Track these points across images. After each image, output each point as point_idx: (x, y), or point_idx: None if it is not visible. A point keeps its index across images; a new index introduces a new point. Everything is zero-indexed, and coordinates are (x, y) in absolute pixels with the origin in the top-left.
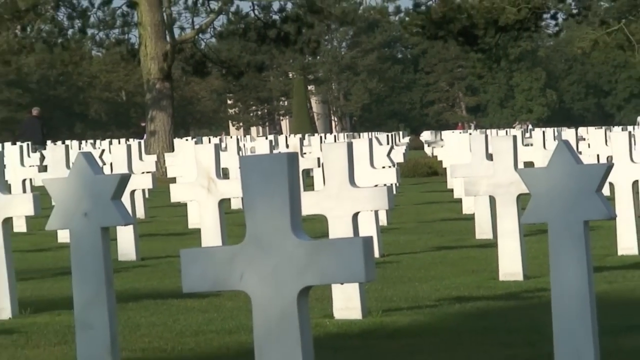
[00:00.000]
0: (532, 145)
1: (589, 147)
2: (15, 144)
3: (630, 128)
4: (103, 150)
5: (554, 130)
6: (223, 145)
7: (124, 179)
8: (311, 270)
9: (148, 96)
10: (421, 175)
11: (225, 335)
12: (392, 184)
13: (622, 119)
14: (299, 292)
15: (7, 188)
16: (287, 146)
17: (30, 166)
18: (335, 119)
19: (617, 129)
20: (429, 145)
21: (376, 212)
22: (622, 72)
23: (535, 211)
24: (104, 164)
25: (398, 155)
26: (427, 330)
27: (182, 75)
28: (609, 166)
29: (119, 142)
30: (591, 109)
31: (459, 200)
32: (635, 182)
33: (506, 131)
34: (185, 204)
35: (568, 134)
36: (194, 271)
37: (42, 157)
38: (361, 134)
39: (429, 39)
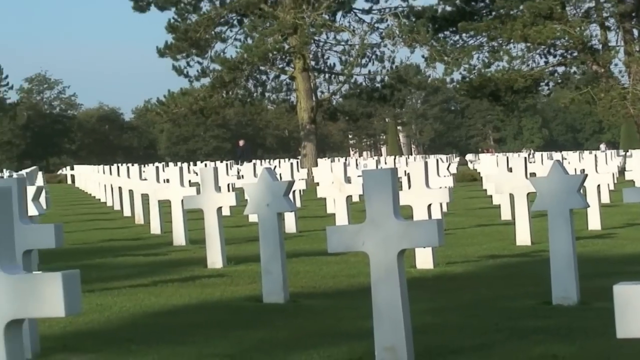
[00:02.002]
0: (534, 162)
1: (569, 164)
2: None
3: (594, 152)
4: (275, 166)
5: (547, 154)
6: (347, 163)
7: (291, 184)
8: (405, 239)
9: (302, 133)
10: (466, 180)
11: (351, 278)
12: (449, 187)
13: (588, 147)
14: (398, 252)
15: (218, 189)
16: (386, 163)
17: (232, 175)
18: (414, 147)
19: (586, 153)
20: (470, 162)
21: (441, 204)
22: (588, 117)
23: (539, 203)
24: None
25: (453, 168)
26: (473, 275)
27: (322, 120)
28: (584, 176)
29: (285, 161)
30: (569, 141)
31: (490, 196)
32: (599, 186)
33: (518, 154)
34: (325, 198)
35: (556, 156)
36: (334, 239)
37: (239, 170)
38: (430, 156)
39: (470, 98)
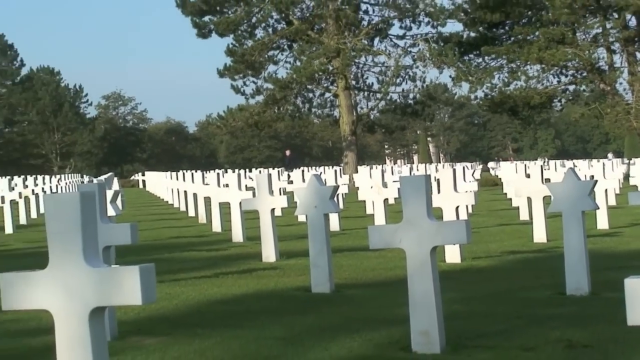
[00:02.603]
0: (549, 169)
1: (579, 171)
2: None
3: (602, 160)
4: (321, 173)
5: (560, 162)
6: (384, 170)
7: (335, 188)
8: (438, 237)
9: (344, 144)
10: (488, 185)
11: (389, 271)
12: (474, 191)
13: (596, 156)
14: (431, 249)
15: (271, 192)
16: (418, 170)
17: (283, 181)
18: (442, 155)
19: (594, 161)
20: (492, 169)
21: (467, 206)
22: (596, 130)
23: (555, 205)
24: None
25: (477, 175)
26: (495, 268)
27: (361, 133)
28: (595, 182)
29: (329, 168)
30: (579, 150)
31: (510, 199)
32: (606, 190)
33: (534, 162)
34: (365, 201)
35: (568, 164)
36: (375, 237)
37: (289, 176)
38: (457, 163)
39: (492, 113)
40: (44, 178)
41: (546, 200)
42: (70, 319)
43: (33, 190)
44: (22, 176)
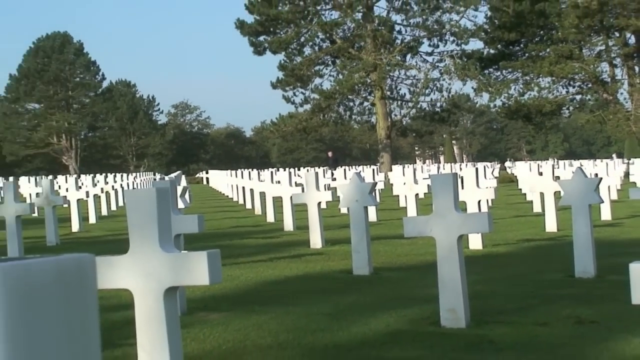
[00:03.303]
0: (558, 168)
1: (585, 169)
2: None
3: (605, 160)
4: (360, 171)
5: (568, 162)
6: (415, 168)
7: (374, 184)
8: (464, 227)
9: (380, 146)
10: (505, 182)
11: (420, 256)
12: (493, 187)
13: (600, 156)
14: (458, 237)
15: (318, 188)
16: (444, 169)
17: (327, 178)
18: (465, 156)
19: (599, 161)
20: (508, 168)
21: (487, 200)
22: (599, 134)
23: (565, 199)
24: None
25: (495, 172)
26: (512, 254)
27: (395, 136)
28: (600, 179)
29: (367, 167)
30: (585, 152)
31: (524, 194)
32: (609, 186)
33: (545, 162)
34: (398, 195)
35: (575, 164)
36: (409, 226)
37: (332, 174)
38: (478, 163)
39: (508, 119)
40: (122, 176)
41: (556, 195)
42: (147, 297)
43: (113, 186)
44: (104, 174)
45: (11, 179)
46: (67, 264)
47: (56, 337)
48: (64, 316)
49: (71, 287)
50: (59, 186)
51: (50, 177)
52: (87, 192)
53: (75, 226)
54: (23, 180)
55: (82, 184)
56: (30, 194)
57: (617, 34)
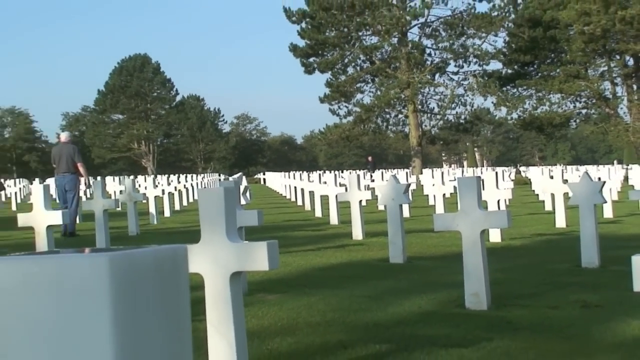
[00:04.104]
0: (567, 172)
1: (590, 174)
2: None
3: (607, 166)
4: (396, 174)
5: (575, 167)
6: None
7: (408, 185)
8: (486, 222)
9: (412, 152)
10: (520, 184)
11: (447, 247)
12: (510, 189)
13: (602, 162)
14: (481, 231)
15: (359, 188)
16: (467, 172)
17: (367, 180)
18: (485, 161)
19: (601, 167)
20: (523, 172)
21: (505, 199)
22: (602, 143)
23: (573, 200)
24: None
25: (512, 176)
26: (527, 246)
27: (425, 144)
28: (604, 183)
29: (401, 170)
30: (589, 158)
31: (537, 195)
32: (610, 188)
33: (555, 167)
34: (428, 195)
35: (581, 169)
36: (438, 222)
37: (371, 176)
38: (497, 167)
39: (523, 130)
40: (191, 176)
41: (565, 195)
42: (216, 280)
43: (184, 185)
44: (177, 175)
45: (99, 178)
46: (164, 254)
47: (156, 316)
48: (162, 299)
49: (167, 273)
50: (139, 185)
51: (131, 177)
52: (163, 190)
53: (152, 219)
54: (109, 179)
55: (159, 183)
56: (114, 191)
57: (617, 57)
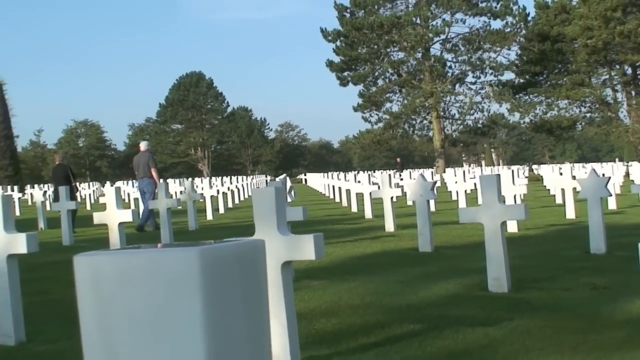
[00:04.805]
0: (574, 169)
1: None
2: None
3: (610, 163)
4: (422, 173)
5: (581, 165)
6: (463, 171)
7: (434, 183)
8: (505, 215)
9: (436, 154)
10: (532, 180)
11: (470, 237)
12: (525, 185)
13: (605, 160)
14: (501, 223)
15: (390, 186)
16: (485, 171)
17: (396, 178)
18: (501, 161)
19: (605, 164)
20: (535, 170)
21: (520, 195)
22: (604, 143)
23: (582, 194)
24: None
25: (525, 173)
26: (541, 236)
27: (447, 146)
28: (609, 178)
29: (426, 170)
30: (593, 157)
31: (548, 190)
32: (614, 183)
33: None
34: (451, 191)
35: (587, 166)
36: (463, 215)
37: (400, 175)
38: (512, 166)
39: (535, 132)
40: (242, 178)
41: (573, 190)
42: (269, 269)
43: (236, 186)
44: (229, 176)
45: (161, 181)
46: (245, 246)
47: (239, 303)
48: (244, 287)
49: (248, 263)
50: (197, 186)
51: (190, 179)
52: (218, 190)
53: (209, 215)
54: (170, 182)
55: (214, 184)
56: (175, 192)
57: (617, 67)
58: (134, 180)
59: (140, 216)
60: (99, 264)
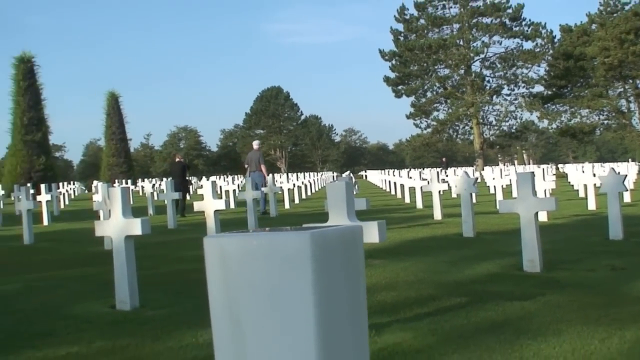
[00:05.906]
0: (594, 168)
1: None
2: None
3: (625, 163)
4: (465, 171)
5: (599, 164)
6: (500, 169)
7: (476, 179)
8: (538, 206)
9: (476, 155)
10: (558, 177)
11: (507, 225)
12: (553, 181)
13: (620, 160)
14: (534, 213)
15: (438, 181)
16: (519, 169)
17: (442, 175)
18: (531, 160)
19: (620, 163)
20: (561, 168)
21: (550, 189)
22: (620, 146)
23: (603, 189)
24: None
25: (553, 171)
26: (567, 224)
27: (486, 148)
28: (625, 176)
29: (468, 168)
30: (610, 157)
31: (572, 185)
32: (628, 180)
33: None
34: (489, 186)
35: (606, 165)
36: (502, 206)
37: (445, 173)
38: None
39: (561, 137)
40: (313, 174)
41: (594, 186)
42: None
43: (308, 181)
44: (302, 173)
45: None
46: (346, 231)
47: (343, 280)
48: (346, 266)
49: (349, 245)
50: (277, 180)
51: (270, 175)
52: (293, 184)
53: (286, 205)
54: None
55: (290, 179)
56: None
57: (631, 81)
58: (243, 175)
59: (260, 205)
60: (225, 244)
